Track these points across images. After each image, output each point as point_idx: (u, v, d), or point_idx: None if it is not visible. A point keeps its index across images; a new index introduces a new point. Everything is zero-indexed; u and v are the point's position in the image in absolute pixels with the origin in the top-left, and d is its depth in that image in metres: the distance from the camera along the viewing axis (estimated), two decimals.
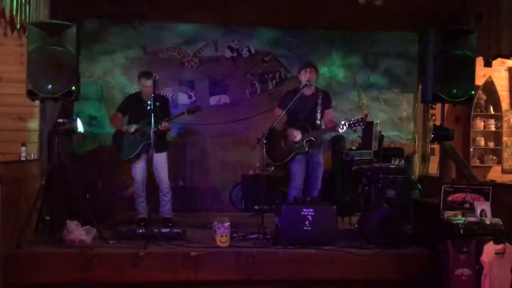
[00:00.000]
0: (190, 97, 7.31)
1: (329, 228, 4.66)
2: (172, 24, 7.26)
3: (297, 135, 5.40)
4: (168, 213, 5.68)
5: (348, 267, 4.40)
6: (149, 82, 5.48)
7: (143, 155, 5.57)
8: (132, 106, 5.69)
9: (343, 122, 5.26)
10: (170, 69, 7.22)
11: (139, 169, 5.62)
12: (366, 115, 5.40)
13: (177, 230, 4.90)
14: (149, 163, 5.32)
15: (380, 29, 7.44)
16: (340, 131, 5.34)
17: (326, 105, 5.56)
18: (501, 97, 7.93)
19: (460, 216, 4.40)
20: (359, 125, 5.29)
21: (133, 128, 5.55)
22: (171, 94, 7.24)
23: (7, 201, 4.18)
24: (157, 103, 5.46)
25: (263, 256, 4.40)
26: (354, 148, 6.69)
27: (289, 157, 5.45)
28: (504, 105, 7.96)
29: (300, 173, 5.48)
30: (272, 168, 6.81)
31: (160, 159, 5.59)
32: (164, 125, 5.41)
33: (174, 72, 7.29)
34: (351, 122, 5.24)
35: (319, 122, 5.51)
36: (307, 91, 5.50)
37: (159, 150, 5.50)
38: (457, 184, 4.70)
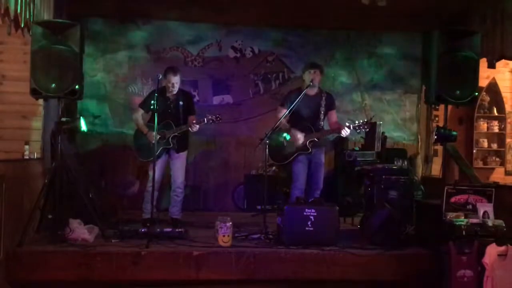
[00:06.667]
0: (193, 96, 7.30)
1: (331, 229, 4.66)
2: (175, 23, 7.25)
3: (300, 138, 5.41)
4: (177, 214, 5.60)
5: (349, 267, 4.40)
6: (176, 79, 5.42)
7: (164, 155, 5.51)
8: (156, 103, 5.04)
9: (347, 124, 5.28)
10: None
11: (157, 167, 5.19)
12: (371, 118, 5.38)
13: (179, 230, 4.90)
14: (168, 162, 5.49)
15: (384, 29, 7.43)
16: (344, 134, 5.34)
17: (330, 106, 5.57)
18: (504, 99, 7.89)
19: (463, 217, 4.39)
20: (363, 128, 5.31)
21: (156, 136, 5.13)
22: None
23: (10, 199, 4.20)
24: (181, 102, 5.50)
25: (265, 256, 4.40)
26: (357, 148, 6.70)
27: (292, 157, 5.46)
28: (508, 106, 7.93)
29: (302, 173, 5.48)
30: (275, 168, 6.81)
31: (180, 159, 5.56)
32: (193, 128, 5.37)
33: None
34: (356, 125, 5.26)
35: (322, 123, 5.52)
36: (311, 91, 5.49)
37: (180, 150, 5.50)
38: (459, 186, 4.67)
